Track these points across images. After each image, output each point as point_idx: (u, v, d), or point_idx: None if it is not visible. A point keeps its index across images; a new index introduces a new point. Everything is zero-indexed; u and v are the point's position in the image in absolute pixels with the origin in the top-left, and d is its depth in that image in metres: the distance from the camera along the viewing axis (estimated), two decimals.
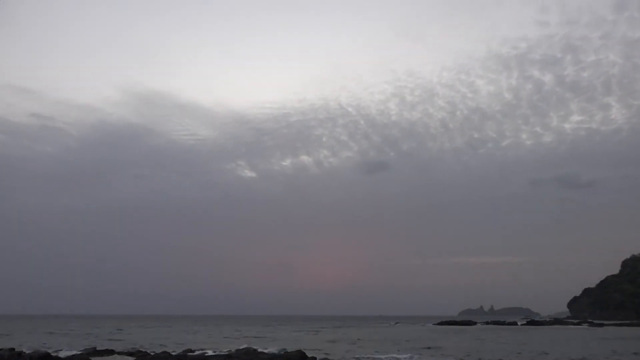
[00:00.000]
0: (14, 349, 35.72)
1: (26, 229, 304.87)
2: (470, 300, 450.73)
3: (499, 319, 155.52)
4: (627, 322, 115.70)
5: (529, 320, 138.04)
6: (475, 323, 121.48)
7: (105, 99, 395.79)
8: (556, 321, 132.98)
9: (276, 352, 37.05)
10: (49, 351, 35.82)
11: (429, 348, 44.99)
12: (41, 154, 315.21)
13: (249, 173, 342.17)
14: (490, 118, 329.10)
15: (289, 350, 36.95)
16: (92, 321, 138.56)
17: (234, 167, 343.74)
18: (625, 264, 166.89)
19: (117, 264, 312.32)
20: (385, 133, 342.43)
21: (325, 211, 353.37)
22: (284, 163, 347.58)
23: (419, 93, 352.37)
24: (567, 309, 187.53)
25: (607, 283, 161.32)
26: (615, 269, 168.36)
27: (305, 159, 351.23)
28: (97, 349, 40.11)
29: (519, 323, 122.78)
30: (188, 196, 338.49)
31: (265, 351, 37.08)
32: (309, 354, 34.82)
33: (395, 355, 38.00)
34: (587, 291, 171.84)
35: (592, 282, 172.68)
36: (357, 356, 37.76)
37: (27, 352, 34.59)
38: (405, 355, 38.01)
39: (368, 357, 37.12)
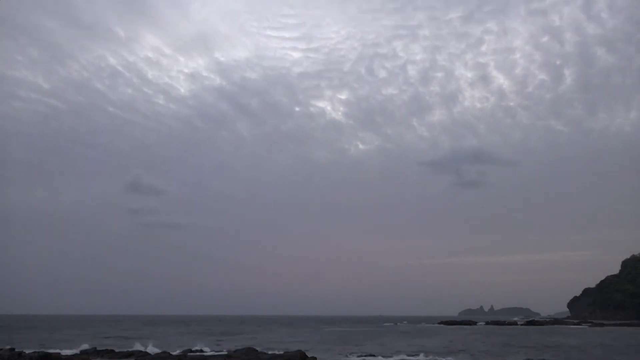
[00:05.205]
0: (14, 349, 35.59)
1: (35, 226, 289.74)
2: (470, 300, 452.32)
3: (499, 319, 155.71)
4: (627, 322, 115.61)
5: (528, 320, 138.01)
6: (475, 323, 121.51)
7: None
8: (556, 321, 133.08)
9: (276, 352, 36.95)
10: (49, 351, 35.73)
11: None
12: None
13: (361, 145, 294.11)
14: None
15: (289, 350, 36.85)
16: (93, 321, 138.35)
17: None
18: (625, 264, 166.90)
19: (128, 265, 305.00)
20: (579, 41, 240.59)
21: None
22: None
23: None
24: (567, 309, 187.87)
25: (607, 283, 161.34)
26: (615, 269, 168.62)
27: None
28: (97, 349, 40.02)
29: (519, 323, 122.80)
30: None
31: (266, 351, 36.97)
32: (309, 354, 34.74)
33: (405, 357, 37.74)
34: (587, 291, 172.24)
35: (592, 282, 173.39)
36: (358, 356, 37.68)
37: (27, 352, 34.50)
38: (413, 357, 37.87)
39: (370, 357, 37.03)
